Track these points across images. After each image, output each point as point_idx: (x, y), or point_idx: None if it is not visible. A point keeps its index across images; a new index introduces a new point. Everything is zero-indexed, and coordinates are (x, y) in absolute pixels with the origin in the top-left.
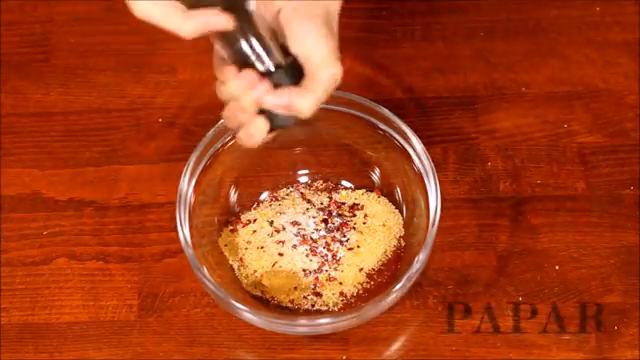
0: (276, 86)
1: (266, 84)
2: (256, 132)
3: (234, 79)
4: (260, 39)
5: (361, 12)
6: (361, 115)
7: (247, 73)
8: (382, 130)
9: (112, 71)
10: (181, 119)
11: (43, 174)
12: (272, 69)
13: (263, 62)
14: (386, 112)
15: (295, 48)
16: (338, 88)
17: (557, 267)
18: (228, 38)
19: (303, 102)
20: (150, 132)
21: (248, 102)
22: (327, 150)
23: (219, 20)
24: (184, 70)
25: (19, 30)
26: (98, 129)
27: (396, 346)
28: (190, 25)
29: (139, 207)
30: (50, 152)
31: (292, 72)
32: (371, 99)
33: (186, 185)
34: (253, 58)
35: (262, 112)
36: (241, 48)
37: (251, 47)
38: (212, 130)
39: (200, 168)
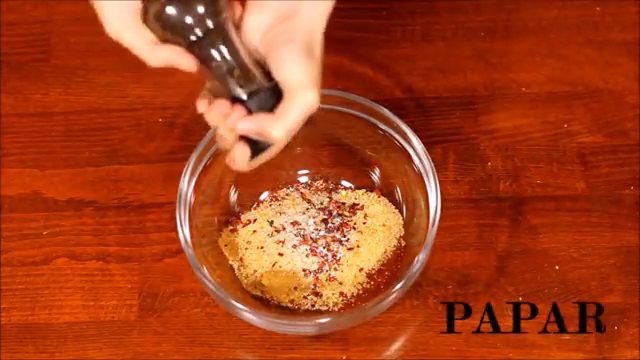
0: (257, 110)
1: (239, 111)
2: (239, 158)
3: (208, 110)
4: (237, 66)
5: (361, 12)
6: (361, 115)
7: (219, 103)
8: (382, 130)
9: (112, 71)
10: (181, 119)
11: (43, 174)
12: (244, 97)
13: (238, 89)
14: (386, 112)
15: (276, 73)
16: (339, 88)
17: (557, 267)
18: (203, 68)
19: (273, 128)
20: (150, 132)
21: (224, 130)
22: (327, 150)
23: (182, 60)
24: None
25: (19, 30)
26: (98, 129)
27: (396, 346)
28: (156, 59)
29: (139, 207)
30: (50, 152)
31: (271, 97)
32: (371, 99)
33: (186, 185)
34: (229, 86)
35: (245, 138)
36: (216, 77)
37: (223, 77)
38: (212, 130)
39: (200, 168)
